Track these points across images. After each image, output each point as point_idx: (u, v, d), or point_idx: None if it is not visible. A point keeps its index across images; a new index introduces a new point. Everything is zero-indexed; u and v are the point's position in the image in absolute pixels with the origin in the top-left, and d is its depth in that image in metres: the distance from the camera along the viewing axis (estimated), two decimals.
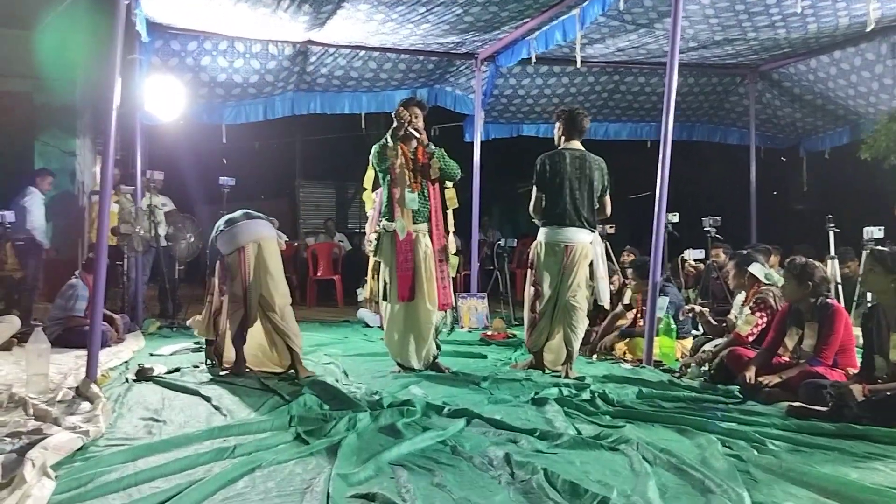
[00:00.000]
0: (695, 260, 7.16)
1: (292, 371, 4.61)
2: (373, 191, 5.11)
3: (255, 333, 4.71)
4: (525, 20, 6.90)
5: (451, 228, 5.05)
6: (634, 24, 6.93)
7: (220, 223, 4.77)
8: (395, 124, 4.78)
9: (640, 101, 9.37)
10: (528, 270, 5.10)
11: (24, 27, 8.10)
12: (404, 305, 4.77)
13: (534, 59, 7.47)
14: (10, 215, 6.88)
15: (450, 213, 5.09)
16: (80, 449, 2.79)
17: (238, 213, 4.77)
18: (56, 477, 2.42)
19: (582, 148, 4.96)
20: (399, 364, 4.88)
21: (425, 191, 4.87)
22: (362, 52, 7.88)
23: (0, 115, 8.61)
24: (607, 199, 4.98)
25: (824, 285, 4.14)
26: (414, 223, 4.80)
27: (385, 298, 4.81)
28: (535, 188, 4.90)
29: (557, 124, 5.02)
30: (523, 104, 9.11)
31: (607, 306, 5.24)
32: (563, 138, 4.98)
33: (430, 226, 4.88)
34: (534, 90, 8.91)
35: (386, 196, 4.85)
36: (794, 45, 7.65)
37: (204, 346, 5.62)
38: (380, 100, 8.67)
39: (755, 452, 2.83)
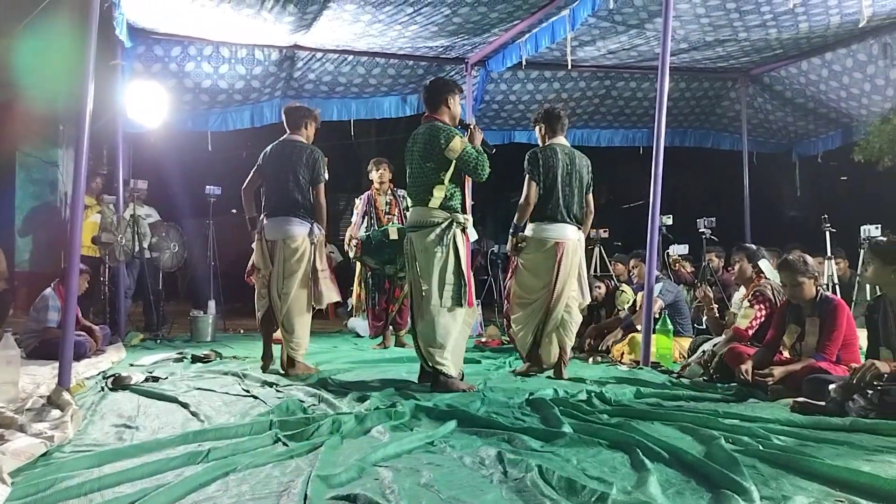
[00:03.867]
0: (680, 255, 7.08)
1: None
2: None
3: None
4: (515, 22, 6.82)
5: None
6: (625, 25, 6.86)
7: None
8: None
9: (631, 106, 9.30)
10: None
11: (4, 36, 7.97)
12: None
13: (524, 64, 7.40)
14: None
15: None
16: (43, 455, 2.61)
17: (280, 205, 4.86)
18: (13, 483, 2.24)
19: (567, 144, 4.87)
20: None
21: None
22: (350, 57, 7.79)
23: None
24: (591, 196, 4.89)
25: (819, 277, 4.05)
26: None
27: (459, 303, 4.19)
28: (527, 180, 4.67)
29: (538, 127, 4.92)
30: (515, 110, 9.02)
31: (587, 302, 4.98)
32: (546, 137, 4.87)
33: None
34: (525, 96, 8.83)
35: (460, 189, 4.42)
36: (785, 47, 7.59)
37: (186, 357, 5.50)
38: (369, 106, 8.58)
39: (760, 447, 2.67)
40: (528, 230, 4.77)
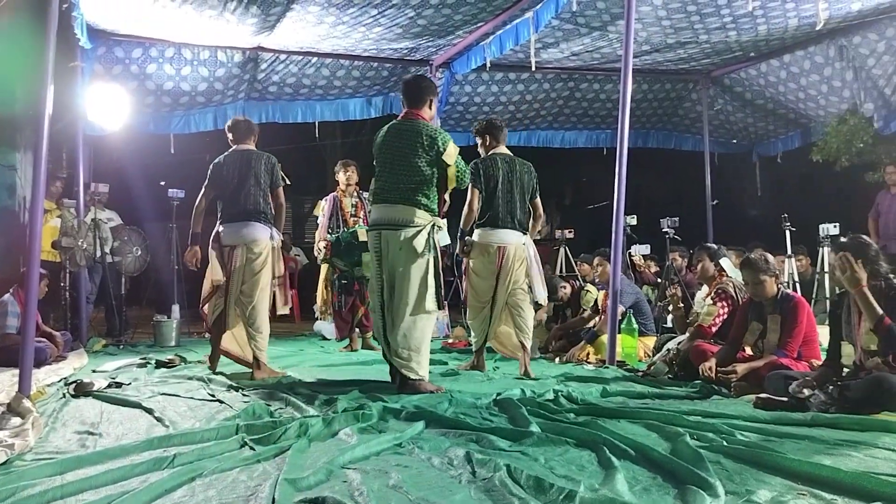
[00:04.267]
0: (642, 256, 7.19)
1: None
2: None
3: (240, 325, 4.93)
4: (479, 24, 6.85)
5: None
6: (588, 27, 6.93)
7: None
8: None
9: (595, 107, 9.40)
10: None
11: None
12: None
13: (489, 65, 7.43)
14: None
15: None
16: (2, 464, 2.55)
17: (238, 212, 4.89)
18: None
19: (509, 153, 5.07)
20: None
21: None
22: (314, 59, 7.75)
23: None
24: (538, 200, 5.09)
25: (780, 278, 4.14)
26: None
27: (439, 306, 4.28)
28: (470, 188, 4.82)
29: (479, 139, 5.13)
30: (480, 111, 9.05)
31: (543, 303, 5.29)
32: (490, 147, 5.07)
33: None
34: (489, 97, 8.87)
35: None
36: (744, 49, 7.73)
37: (150, 362, 5.42)
38: (334, 108, 8.53)
39: (724, 443, 2.72)
40: (475, 235, 5.00)
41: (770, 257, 4.14)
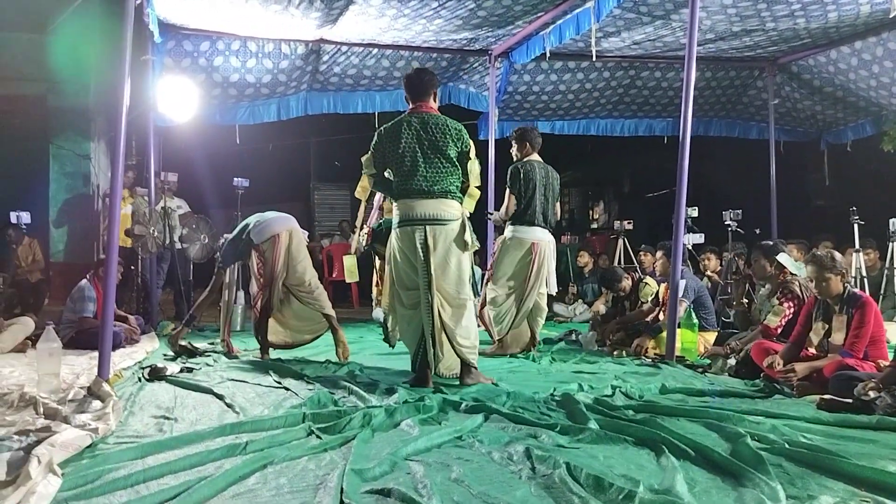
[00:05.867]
0: (693, 245, 7.11)
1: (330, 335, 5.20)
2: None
3: (287, 312, 5.26)
4: (539, 14, 6.81)
5: None
6: (650, 16, 6.82)
7: (252, 219, 5.28)
8: None
9: (656, 96, 9.25)
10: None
11: (38, 31, 8.12)
12: None
13: (548, 55, 7.39)
14: (25, 216, 6.89)
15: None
16: (88, 446, 2.72)
17: (268, 213, 5.34)
18: (63, 474, 2.35)
19: (542, 160, 5.66)
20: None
21: None
22: (375, 50, 7.83)
23: (15, 118, 8.64)
24: (558, 205, 5.81)
25: (847, 273, 4.04)
26: None
27: (477, 293, 4.90)
28: (508, 193, 5.47)
29: (517, 144, 5.67)
30: (538, 101, 9.01)
31: (553, 293, 5.91)
32: (524, 154, 5.61)
33: None
34: (548, 86, 8.81)
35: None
36: (814, 36, 7.50)
37: (216, 345, 5.63)
38: (393, 98, 8.62)
39: (786, 445, 2.70)
40: (508, 232, 5.56)
41: (837, 255, 4.05)
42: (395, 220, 4.20)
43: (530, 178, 5.46)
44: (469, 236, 4.11)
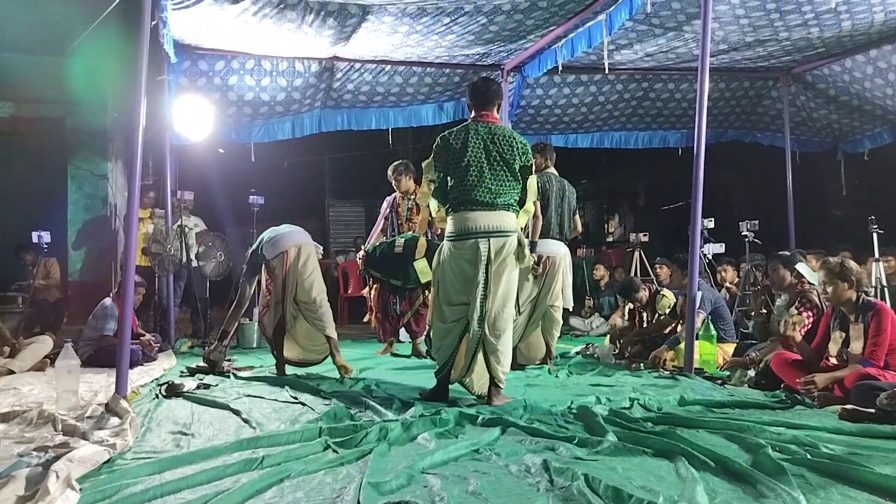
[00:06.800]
0: (713, 255, 7.08)
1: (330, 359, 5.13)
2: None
3: (300, 328, 5.21)
4: (551, 28, 6.83)
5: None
6: (663, 28, 6.82)
7: (266, 234, 5.33)
8: None
9: (669, 107, 9.22)
10: None
11: (56, 53, 8.25)
12: None
13: (560, 68, 7.40)
14: (46, 236, 6.97)
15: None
16: (106, 462, 2.73)
17: (282, 227, 5.39)
18: (81, 489, 2.36)
19: (557, 173, 5.72)
20: None
21: None
22: (388, 67, 7.88)
23: (33, 139, 8.78)
24: (577, 218, 5.87)
25: (864, 281, 3.99)
26: None
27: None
28: (538, 203, 5.17)
29: (538, 157, 5.54)
30: (551, 114, 9.02)
31: (570, 307, 5.96)
32: (540, 167, 5.56)
33: None
34: (561, 100, 8.82)
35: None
36: (827, 45, 7.46)
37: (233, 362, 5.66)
38: (406, 114, 8.65)
39: (808, 455, 2.66)
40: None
41: (853, 264, 4.01)
42: (451, 230, 4.02)
43: (545, 189, 5.47)
44: (527, 250, 4.02)
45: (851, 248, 7.51)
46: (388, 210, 6.54)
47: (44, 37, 8.20)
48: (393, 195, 6.61)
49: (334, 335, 5.14)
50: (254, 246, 5.45)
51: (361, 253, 6.37)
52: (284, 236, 5.24)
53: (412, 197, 6.43)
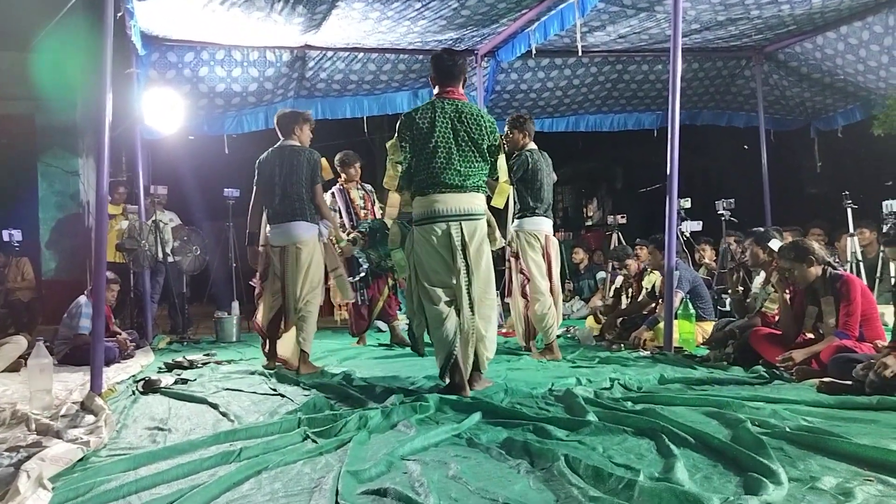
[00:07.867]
0: (691, 232, 7.11)
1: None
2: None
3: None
4: (523, 11, 6.79)
5: None
6: (635, 9, 6.81)
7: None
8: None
9: (644, 89, 9.23)
10: (513, 260, 5.28)
11: (22, 49, 8.07)
12: None
13: (534, 52, 7.37)
14: (17, 234, 6.86)
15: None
16: (80, 460, 2.67)
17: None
18: (53, 488, 2.31)
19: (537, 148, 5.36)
20: None
21: None
22: (361, 55, 7.81)
23: (2, 137, 8.59)
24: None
25: (823, 254, 4.04)
26: None
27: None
28: (516, 183, 5.06)
29: (516, 132, 5.27)
30: (526, 98, 9.00)
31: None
32: (522, 143, 5.25)
33: None
34: (536, 84, 8.80)
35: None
36: (799, 23, 7.49)
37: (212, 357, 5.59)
38: (381, 102, 8.60)
39: (787, 429, 2.67)
40: (524, 223, 5.17)
41: (807, 242, 4.06)
42: (419, 214, 3.82)
43: (538, 167, 5.13)
44: (498, 232, 3.92)
45: (827, 224, 7.59)
46: (345, 202, 6.40)
47: (6, 32, 8.01)
48: (338, 187, 6.44)
49: (308, 350, 4.83)
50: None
51: (353, 235, 6.14)
52: (285, 229, 4.91)
53: (364, 185, 6.52)
